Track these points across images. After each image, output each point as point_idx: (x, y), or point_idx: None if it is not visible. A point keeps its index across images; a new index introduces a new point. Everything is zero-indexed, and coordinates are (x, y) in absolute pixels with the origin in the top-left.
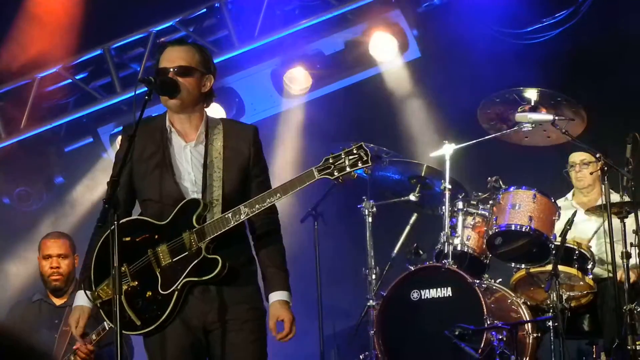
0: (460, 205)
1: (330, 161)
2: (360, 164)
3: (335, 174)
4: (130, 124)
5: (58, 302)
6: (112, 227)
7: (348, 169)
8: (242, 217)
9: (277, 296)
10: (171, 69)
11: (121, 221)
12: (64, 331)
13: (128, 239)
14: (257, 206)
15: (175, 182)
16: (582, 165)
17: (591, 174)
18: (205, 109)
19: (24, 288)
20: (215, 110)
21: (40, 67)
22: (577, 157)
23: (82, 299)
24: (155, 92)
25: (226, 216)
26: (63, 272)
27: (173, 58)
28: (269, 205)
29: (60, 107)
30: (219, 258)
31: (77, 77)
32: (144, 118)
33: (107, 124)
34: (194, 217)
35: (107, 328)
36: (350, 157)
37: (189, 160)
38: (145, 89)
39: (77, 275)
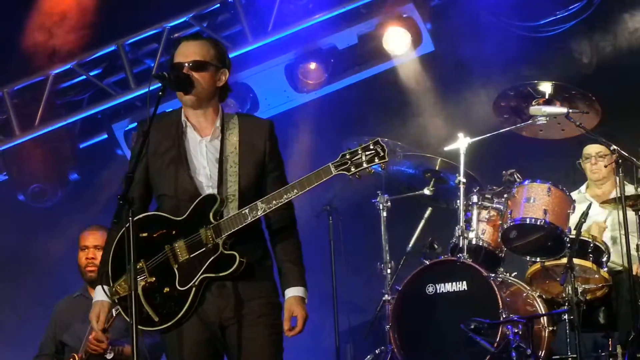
0: (474, 199)
1: (347, 157)
2: (377, 160)
3: (352, 169)
4: (146, 119)
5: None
6: (128, 224)
7: (365, 165)
8: (259, 213)
9: (292, 292)
10: (186, 64)
11: (137, 217)
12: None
13: (145, 234)
14: (274, 202)
15: (190, 177)
16: (598, 158)
17: (606, 166)
18: (221, 104)
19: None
20: (229, 106)
21: (55, 64)
22: (592, 149)
23: (101, 294)
24: (170, 88)
25: (243, 212)
26: (98, 264)
27: (188, 53)
28: (286, 201)
29: (74, 103)
30: (237, 254)
31: (92, 74)
32: (160, 113)
33: (122, 120)
34: (211, 213)
35: (114, 314)
36: (367, 152)
37: (205, 155)
38: (160, 84)
39: None
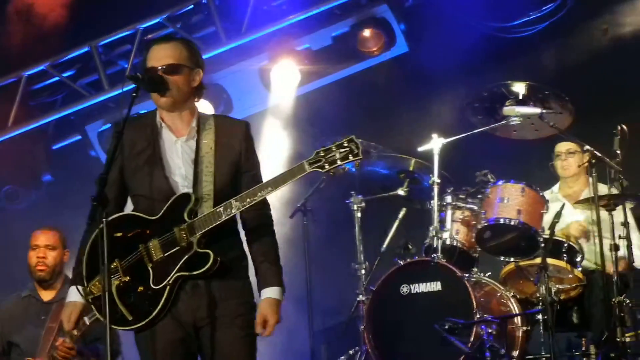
0: (449, 199)
1: (322, 154)
2: (351, 157)
3: (326, 167)
4: (120, 121)
5: (46, 297)
6: (101, 225)
7: (339, 162)
8: (233, 211)
9: (268, 293)
10: (159, 68)
11: (112, 217)
12: (49, 327)
13: (119, 234)
14: (248, 200)
15: (166, 177)
16: (568, 154)
17: (579, 166)
18: (196, 104)
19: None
20: (203, 107)
21: (28, 65)
22: (562, 146)
23: (74, 294)
24: (143, 89)
25: (217, 210)
26: (49, 263)
27: (160, 56)
28: (260, 199)
29: (47, 104)
30: (210, 252)
31: (65, 75)
32: (135, 115)
33: (95, 121)
34: (185, 212)
35: (88, 323)
36: (341, 150)
37: (180, 155)
38: (133, 86)
39: (66, 271)
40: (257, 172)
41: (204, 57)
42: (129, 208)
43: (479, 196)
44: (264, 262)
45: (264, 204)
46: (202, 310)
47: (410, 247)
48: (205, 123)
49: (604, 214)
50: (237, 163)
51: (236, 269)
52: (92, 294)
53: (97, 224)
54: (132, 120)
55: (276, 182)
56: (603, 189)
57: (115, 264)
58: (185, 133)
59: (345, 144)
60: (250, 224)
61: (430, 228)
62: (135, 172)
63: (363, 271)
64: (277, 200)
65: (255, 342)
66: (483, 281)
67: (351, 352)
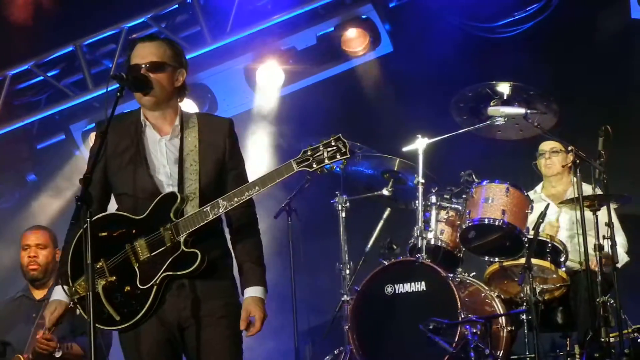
0: (433, 199)
1: (309, 153)
2: (338, 156)
3: (314, 166)
4: (104, 120)
5: (38, 295)
6: (85, 225)
7: (327, 161)
8: (220, 211)
9: (251, 292)
10: (143, 65)
11: (96, 217)
12: (39, 324)
13: (104, 234)
14: (235, 199)
15: (150, 176)
16: (552, 153)
17: (563, 166)
18: (180, 103)
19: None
20: (188, 106)
21: (12, 65)
22: (546, 145)
23: (59, 293)
24: (128, 89)
25: (204, 210)
26: (40, 262)
27: (144, 54)
28: (247, 198)
29: (32, 104)
30: (198, 252)
31: (49, 74)
32: (118, 114)
33: (79, 120)
34: (172, 211)
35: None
36: (329, 149)
37: (164, 154)
38: (117, 85)
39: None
40: (241, 169)
41: (189, 56)
42: (112, 207)
43: (464, 196)
44: (248, 262)
45: (249, 203)
46: (187, 310)
47: (394, 247)
48: (189, 121)
49: (588, 214)
50: (221, 161)
51: (221, 269)
52: (77, 294)
53: (82, 223)
54: (116, 119)
55: (264, 182)
56: (587, 189)
57: (100, 263)
58: (169, 131)
59: (333, 143)
60: (235, 223)
61: (415, 228)
62: (119, 170)
63: (347, 271)
64: (261, 199)
65: (240, 342)
66: (467, 281)
67: (336, 352)
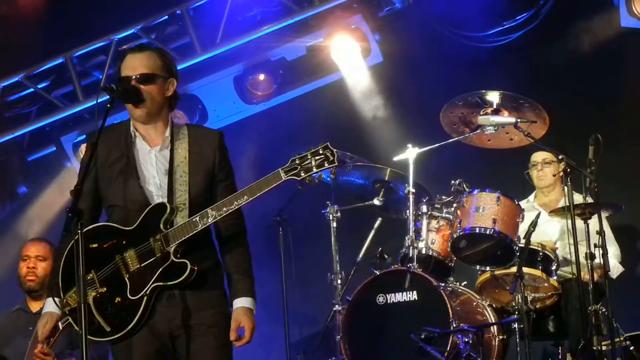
0: (424, 208)
1: (297, 162)
2: (326, 164)
3: (302, 174)
4: (94, 132)
5: (35, 307)
6: (77, 236)
7: (315, 170)
8: (209, 220)
9: (240, 302)
10: (133, 77)
11: (87, 228)
12: (36, 337)
13: (95, 245)
14: (224, 209)
15: (140, 187)
16: (544, 164)
17: (554, 175)
18: (170, 114)
19: None
20: (179, 117)
21: (2, 77)
22: (538, 156)
23: (51, 305)
24: (118, 100)
25: (193, 220)
26: (39, 274)
27: (134, 66)
28: (236, 208)
29: (22, 116)
30: (187, 262)
31: (39, 86)
32: (109, 125)
33: (70, 132)
34: (162, 222)
35: (61, 328)
36: (317, 157)
37: (154, 165)
38: (108, 97)
39: None
40: (231, 181)
41: (179, 67)
42: (102, 219)
43: (455, 205)
44: (236, 273)
45: (239, 214)
46: (177, 320)
47: (386, 256)
48: (179, 133)
49: (579, 223)
50: (211, 173)
51: (211, 279)
52: (68, 306)
53: (73, 235)
54: (106, 130)
55: (252, 191)
56: (578, 198)
57: (91, 275)
58: (159, 142)
59: (321, 151)
60: (224, 233)
61: (406, 238)
62: (110, 182)
63: (339, 281)
64: (252, 210)
65: (231, 352)
66: (459, 290)
67: None
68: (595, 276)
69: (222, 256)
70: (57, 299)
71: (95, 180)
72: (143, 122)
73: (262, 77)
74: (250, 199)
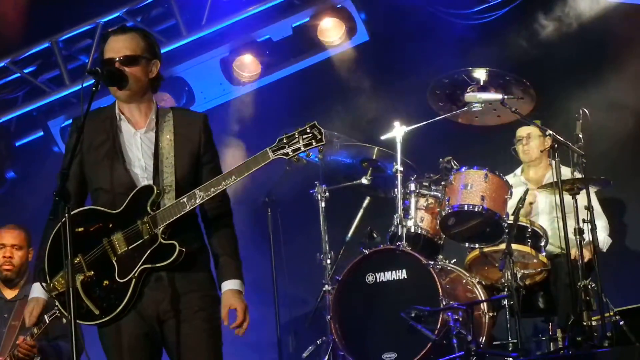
0: (412, 187)
1: (284, 141)
2: (314, 143)
3: (290, 153)
4: (80, 116)
5: (9, 295)
6: (64, 220)
7: (303, 149)
8: (197, 201)
9: (229, 285)
10: (117, 59)
11: (73, 212)
12: (12, 325)
13: (81, 229)
14: (212, 189)
15: (126, 169)
16: (529, 139)
17: (542, 151)
18: (154, 96)
19: None
20: (165, 100)
21: None
22: (523, 131)
23: (37, 290)
24: (103, 83)
25: (181, 201)
26: (15, 263)
27: (118, 48)
28: (224, 188)
29: (9, 101)
30: (176, 244)
31: (26, 71)
32: (94, 109)
33: (57, 117)
34: (148, 204)
35: (47, 321)
36: (304, 136)
37: (140, 147)
38: (93, 80)
39: (30, 269)
40: (216, 164)
41: (165, 50)
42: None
43: (443, 183)
44: (223, 255)
45: (224, 196)
46: (165, 303)
47: (375, 235)
48: (164, 116)
49: (567, 198)
50: (196, 155)
51: (199, 261)
52: (56, 290)
53: (59, 219)
54: (91, 114)
55: (240, 171)
56: (566, 172)
57: (78, 259)
58: (144, 125)
59: (308, 130)
60: (210, 216)
61: (395, 216)
62: (96, 165)
63: (328, 261)
64: (240, 191)
65: (220, 334)
66: (448, 268)
67: (318, 342)
68: (587, 253)
69: (208, 239)
70: (43, 284)
71: (81, 163)
72: (126, 101)
73: (248, 58)
74: (238, 179)
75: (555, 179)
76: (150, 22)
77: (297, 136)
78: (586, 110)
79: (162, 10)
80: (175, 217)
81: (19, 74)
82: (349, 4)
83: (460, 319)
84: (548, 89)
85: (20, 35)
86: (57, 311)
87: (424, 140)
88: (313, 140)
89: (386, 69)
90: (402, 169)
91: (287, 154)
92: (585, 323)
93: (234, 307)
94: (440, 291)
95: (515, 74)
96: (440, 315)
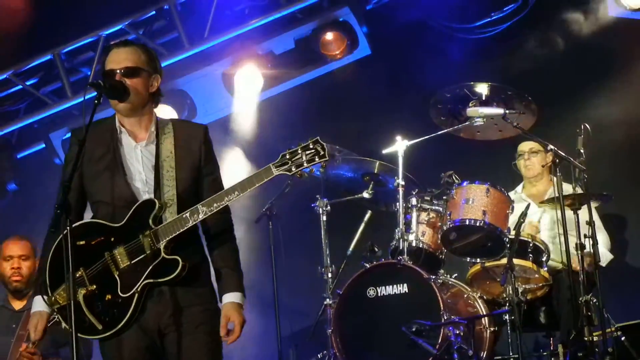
0: (414, 201)
1: (287, 157)
2: (317, 159)
3: (293, 169)
4: (79, 127)
5: (18, 305)
6: (65, 232)
7: (306, 165)
8: (200, 217)
9: (229, 298)
10: (118, 71)
11: (74, 225)
12: (20, 335)
13: (83, 242)
14: (215, 205)
15: (127, 183)
16: (531, 154)
17: (543, 166)
18: (155, 109)
19: None
20: (167, 113)
21: None
22: (525, 146)
23: (40, 304)
24: (105, 96)
25: (184, 216)
26: (24, 274)
27: (119, 59)
28: (227, 203)
29: (11, 113)
30: (179, 259)
31: (28, 83)
32: (94, 121)
33: (59, 129)
34: (150, 218)
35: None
36: (307, 152)
37: (140, 160)
38: (95, 93)
39: None
40: (217, 176)
41: (167, 63)
42: (87, 216)
43: (444, 197)
44: (225, 268)
45: (226, 209)
46: (166, 317)
47: (376, 249)
48: (164, 128)
49: (568, 213)
50: (197, 166)
51: (200, 275)
52: (57, 304)
53: (60, 231)
54: (92, 126)
55: (243, 186)
56: (567, 189)
57: (80, 272)
58: (145, 138)
59: (311, 146)
60: (211, 229)
61: (396, 230)
62: (96, 178)
63: (330, 275)
64: (242, 205)
65: (220, 348)
66: (450, 282)
67: (319, 355)
68: (586, 264)
69: (210, 251)
70: (45, 297)
71: (81, 176)
72: (127, 115)
73: (250, 70)
74: (241, 194)
75: (556, 195)
76: (153, 34)
77: (300, 152)
78: (587, 126)
79: (164, 23)
80: (177, 232)
81: (21, 86)
82: (351, 17)
83: (462, 334)
84: (550, 104)
85: (23, 48)
86: (57, 317)
87: (426, 154)
88: (316, 156)
89: (388, 82)
90: (403, 183)
91: (290, 170)
92: (586, 338)
93: (232, 320)
94: (442, 306)
95: (517, 88)
96: (442, 330)
